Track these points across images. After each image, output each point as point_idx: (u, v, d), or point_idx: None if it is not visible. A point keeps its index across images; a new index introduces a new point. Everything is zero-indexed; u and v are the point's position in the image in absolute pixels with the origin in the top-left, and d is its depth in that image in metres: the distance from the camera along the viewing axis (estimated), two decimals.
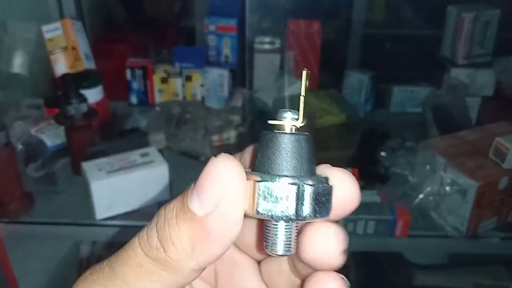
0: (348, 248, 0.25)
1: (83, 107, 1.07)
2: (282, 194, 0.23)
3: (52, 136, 1.17)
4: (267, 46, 1.39)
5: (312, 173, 0.25)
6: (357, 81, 1.42)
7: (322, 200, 0.24)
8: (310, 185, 0.23)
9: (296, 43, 1.44)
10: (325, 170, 0.25)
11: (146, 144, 1.14)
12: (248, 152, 0.28)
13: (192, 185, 0.23)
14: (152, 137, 1.20)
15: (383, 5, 1.63)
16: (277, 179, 0.23)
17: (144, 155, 1.05)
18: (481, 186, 0.93)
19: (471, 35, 1.34)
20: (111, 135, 1.19)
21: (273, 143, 0.24)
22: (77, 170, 1.08)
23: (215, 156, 0.23)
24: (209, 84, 1.42)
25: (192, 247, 0.22)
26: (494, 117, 1.24)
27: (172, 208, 0.23)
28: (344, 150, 1.21)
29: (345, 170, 0.25)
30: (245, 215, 0.23)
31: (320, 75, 1.49)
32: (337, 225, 0.25)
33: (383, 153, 1.09)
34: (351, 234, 0.99)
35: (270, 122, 0.25)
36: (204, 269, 0.24)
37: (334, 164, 0.26)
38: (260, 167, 0.25)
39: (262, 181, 0.23)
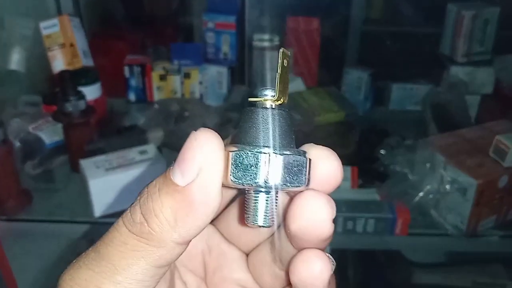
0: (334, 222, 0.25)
1: (81, 104, 1.07)
2: (251, 162, 0.24)
3: (50, 133, 1.16)
4: (266, 43, 1.38)
5: (288, 146, 0.25)
6: (356, 79, 1.42)
7: (294, 171, 0.24)
8: (280, 154, 0.24)
9: (295, 40, 1.44)
10: (308, 148, 0.26)
11: (144, 141, 1.14)
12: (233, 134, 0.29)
13: (174, 160, 0.24)
14: (150, 135, 1.20)
15: (382, 2, 1.63)
16: (248, 148, 0.24)
17: (142, 152, 1.05)
18: (481, 185, 0.93)
19: (470, 33, 1.34)
20: (109, 132, 1.19)
21: (250, 117, 0.25)
22: (75, 168, 1.08)
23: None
24: (207, 81, 1.42)
25: (174, 218, 0.23)
26: (494, 115, 1.23)
27: (154, 184, 0.24)
28: (343, 148, 1.20)
29: (327, 148, 0.26)
30: (223, 186, 0.24)
31: (319, 73, 1.48)
32: (327, 195, 0.25)
33: (382, 151, 1.09)
34: (351, 232, 0.99)
35: (250, 99, 0.26)
36: (187, 244, 0.24)
37: None
38: (237, 140, 0.26)
39: (235, 151, 0.24)
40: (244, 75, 1.45)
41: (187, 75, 1.41)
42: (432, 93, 1.38)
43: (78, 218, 1.03)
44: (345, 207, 0.98)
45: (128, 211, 0.24)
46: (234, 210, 0.31)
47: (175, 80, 1.41)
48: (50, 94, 1.25)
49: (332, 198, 0.25)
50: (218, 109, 1.35)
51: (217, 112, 1.32)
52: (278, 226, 0.27)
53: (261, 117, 0.25)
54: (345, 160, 1.17)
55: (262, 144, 0.25)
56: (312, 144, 0.26)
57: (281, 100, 0.26)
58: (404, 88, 1.44)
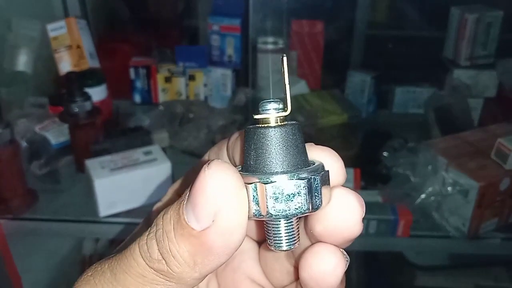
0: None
1: (87, 106, 1.08)
2: (294, 191, 0.22)
3: (56, 134, 1.18)
4: (270, 46, 1.39)
5: (307, 161, 0.24)
6: (359, 82, 1.42)
7: (322, 190, 0.23)
8: (317, 175, 0.23)
9: (299, 43, 1.45)
10: (310, 150, 0.25)
11: (149, 142, 1.15)
12: (234, 138, 0.27)
13: (187, 192, 0.22)
14: (155, 136, 1.21)
15: (386, 6, 1.64)
16: (284, 177, 0.22)
17: (147, 153, 1.06)
18: (483, 187, 0.93)
19: (474, 37, 1.34)
20: (115, 133, 1.20)
21: (263, 139, 0.23)
22: (80, 168, 1.09)
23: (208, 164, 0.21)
24: (212, 83, 1.43)
25: (194, 261, 0.22)
26: (496, 118, 1.24)
27: (169, 220, 0.22)
28: (346, 150, 1.21)
29: (328, 148, 0.25)
30: (253, 219, 0.22)
31: (322, 75, 1.49)
32: (356, 192, 0.24)
33: (385, 153, 1.09)
34: None
35: (256, 116, 0.24)
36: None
37: None
38: (254, 166, 0.24)
39: (268, 183, 0.22)
40: (248, 78, 1.46)
41: (192, 77, 1.42)
42: (435, 96, 1.38)
43: (83, 218, 1.03)
44: None
45: (145, 241, 0.23)
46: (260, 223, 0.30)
47: (180, 82, 1.42)
48: (56, 95, 1.27)
49: None
50: (223, 111, 1.36)
51: (222, 114, 1.33)
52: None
53: (277, 137, 0.23)
54: (348, 162, 1.18)
55: (290, 169, 0.23)
56: (311, 144, 0.25)
57: (289, 111, 0.24)
58: (407, 91, 1.45)
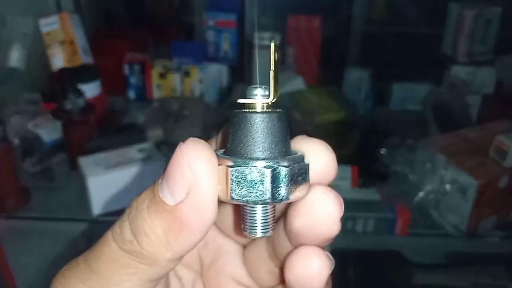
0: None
1: (81, 102, 1.07)
2: (256, 179, 0.22)
3: (49, 131, 1.16)
4: (266, 42, 1.38)
5: (287, 152, 0.24)
6: (357, 78, 1.41)
7: (299, 180, 0.23)
8: (285, 166, 0.22)
9: (296, 39, 1.44)
10: (301, 142, 0.25)
11: (143, 139, 1.14)
12: (222, 132, 0.27)
13: (162, 173, 0.22)
14: (149, 133, 1.19)
15: (384, 2, 1.63)
16: (250, 163, 0.22)
17: (141, 150, 1.04)
18: (481, 185, 0.92)
19: (472, 33, 1.34)
20: (109, 130, 1.19)
21: (244, 123, 0.23)
22: (74, 166, 1.08)
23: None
24: (208, 79, 1.41)
25: (166, 238, 0.21)
26: (495, 115, 1.23)
27: (143, 199, 0.22)
28: (344, 148, 1.20)
29: (321, 140, 0.25)
30: (220, 201, 0.22)
31: (320, 72, 1.48)
32: (336, 192, 0.24)
33: (383, 151, 1.09)
34: (350, 232, 0.98)
35: (240, 100, 0.24)
36: (182, 258, 0.23)
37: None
38: (232, 149, 0.23)
39: (234, 166, 0.22)
40: (244, 74, 1.45)
41: (187, 74, 1.40)
42: (433, 93, 1.38)
43: (77, 216, 1.02)
44: (345, 207, 0.97)
45: (117, 226, 0.23)
46: (236, 208, 0.30)
47: (175, 78, 1.41)
48: (49, 92, 1.25)
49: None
50: (218, 108, 1.35)
51: (217, 111, 1.31)
52: (276, 221, 0.26)
53: (258, 123, 0.23)
54: (346, 160, 1.17)
55: (262, 156, 0.23)
56: (304, 136, 0.25)
57: (276, 99, 0.24)
58: (405, 88, 1.44)
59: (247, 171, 0.22)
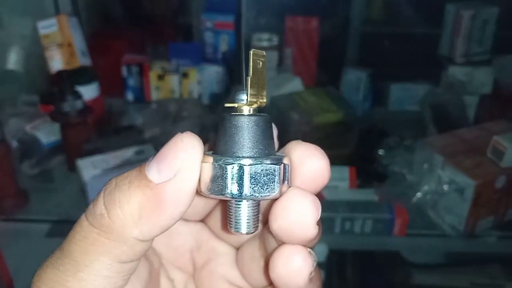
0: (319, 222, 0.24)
1: (79, 104, 1.07)
2: (218, 174, 0.23)
3: (47, 133, 1.16)
4: (264, 43, 1.38)
5: (263, 153, 0.25)
6: (355, 79, 1.41)
7: (264, 180, 0.23)
8: (246, 165, 0.23)
9: (294, 40, 1.44)
10: (294, 147, 0.25)
11: (142, 141, 1.13)
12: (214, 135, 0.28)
13: (152, 157, 0.23)
14: (148, 135, 1.19)
15: (382, 2, 1.63)
16: (216, 158, 0.23)
17: (139, 152, 1.04)
18: (479, 185, 0.93)
19: (469, 33, 1.34)
20: (107, 132, 1.19)
21: (224, 124, 0.25)
22: (72, 167, 1.08)
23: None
24: (206, 81, 1.41)
25: (139, 214, 0.22)
26: (492, 115, 1.23)
27: (125, 176, 0.23)
28: (342, 148, 1.20)
29: (315, 145, 0.25)
30: (198, 192, 0.24)
31: (318, 73, 1.48)
32: (313, 195, 0.24)
33: (381, 151, 1.09)
34: (349, 233, 0.98)
35: (227, 104, 0.26)
36: (149, 242, 0.23)
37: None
38: (215, 149, 0.25)
39: (204, 162, 0.23)
40: (242, 75, 1.45)
41: (185, 75, 1.40)
42: (431, 93, 1.38)
43: (75, 218, 1.01)
44: (343, 208, 0.97)
45: (91, 203, 0.23)
46: (223, 206, 0.30)
47: (173, 80, 1.41)
48: (47, 94, 1.25)
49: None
50: (216, 109, 1.35)
51: (215, 112, 1.32)
52: (266, 222, 0.26)
53: (234, 125, 0.24)
54: (344, 160, 1.17)
55: (234, 154, 0.24)
56: (299, 141, 0.26)
57: (257, 103, 0.25)
58: (403, 89, 1.44)
59: (212, 166, 0.23)
